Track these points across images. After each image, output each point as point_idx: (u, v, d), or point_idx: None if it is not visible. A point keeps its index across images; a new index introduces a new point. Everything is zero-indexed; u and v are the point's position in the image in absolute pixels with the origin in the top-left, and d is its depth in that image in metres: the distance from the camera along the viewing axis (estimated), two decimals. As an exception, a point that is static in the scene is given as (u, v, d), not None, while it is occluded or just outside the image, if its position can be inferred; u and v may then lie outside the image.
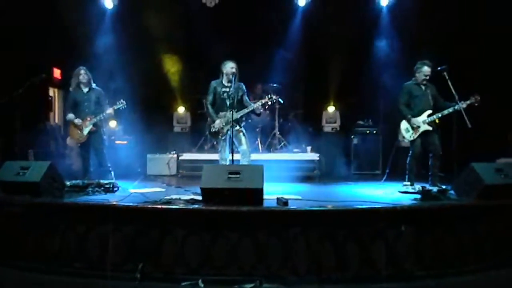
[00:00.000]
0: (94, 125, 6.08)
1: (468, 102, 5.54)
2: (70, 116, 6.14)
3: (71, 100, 6.21)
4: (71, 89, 6.22)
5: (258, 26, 8.67)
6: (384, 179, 6.77)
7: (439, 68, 5.67)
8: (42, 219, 4.20)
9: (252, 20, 8.62)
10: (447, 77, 5.52)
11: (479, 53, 7.48)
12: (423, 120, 5.79)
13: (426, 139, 5.82)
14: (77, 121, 6.07)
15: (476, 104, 5.54)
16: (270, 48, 8.74)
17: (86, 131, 6.06)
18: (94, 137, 6.13)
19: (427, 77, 5.83)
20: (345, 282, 3.81)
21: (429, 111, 5.80)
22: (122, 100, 6.09)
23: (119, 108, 6.09)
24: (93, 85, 6.23)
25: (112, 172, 6.22)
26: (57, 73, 9.17)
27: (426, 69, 5.82)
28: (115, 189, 5.43)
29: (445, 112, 5.67)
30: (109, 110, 6.06)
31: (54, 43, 7.98)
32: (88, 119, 6.05)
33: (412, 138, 5.85)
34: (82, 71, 6.12)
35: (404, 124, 5.94)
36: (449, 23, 7.53)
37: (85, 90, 6.16)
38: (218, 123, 5.76)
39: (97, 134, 6.16)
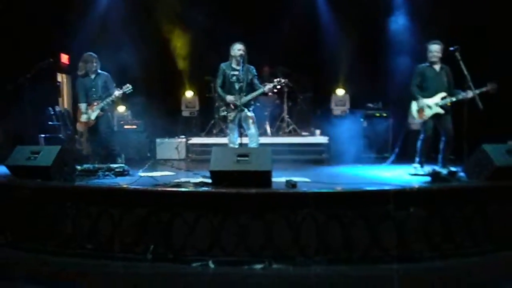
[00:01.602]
0: (102, 109, 6.10)
1: (483, 89, 5.36)
2: (83, 106, 6.18)
3: (82, 87, 6.21)
4: (79, 73, 6.22)
5: (268, 7, 8.58)
6: (391, 161, 6.73)
7: (451, 49, 5.52)
8: (54, 203, 4.27)
9: (262, 1, 8.54)
10: (459, 58, 5.40)
11: (491, 34, 7.34)
12: (436, 103, 5.68)
13: (439, 121, 5.73)
14: (85, 116, 6.10)
15: (491, 92, 5.36)
16: (279, 30, 8.65)
17: (93, 116, 6.08)
18: (102, 121, 6.15)
19: (438, 55, 5.67)
20: (353, 263, 3.84)
21: (443, 94, 5.66)
22: (128, 85, 6.06)
23: (125, 92, 6.08)
24: (99, 70, 6.23)
25: (123, 155, 6.26)
26: (64, 58, 9.18)
27: (435, 47, 5.68)
28: (125, 173, 5.47)
29: (460, 97, 5.49)
30: (116, 94, 6.04)
31: (61, 28, 7.97)
32: (95, 104, 6.07)
33: (422, 120, 5.77)
34: (95, 59, 6.13)
35: (414, 105, 5.84)
36: (463, 3, 7.38)
37: (93, 76, 6.18)
38: (230, 98, 5.71)
39: (104, 118, 6.18)
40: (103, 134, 6.19)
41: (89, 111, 6.10)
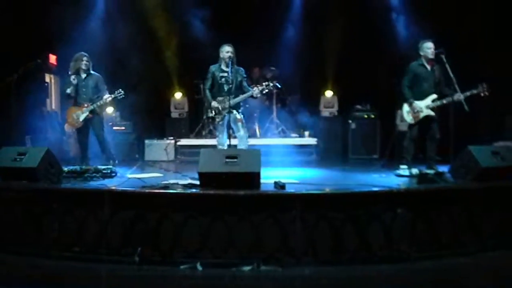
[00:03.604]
0: (91, 111, 6.00)
1: (474, 91, 5.38)
2: (69, 90, 6.00)
3: (70, 85, 6.06)
4: (70, 72, 6.10)
5: (256, 8, 8.60)
6: (383, 163, 6.77)
7: (436, 51, 5.60)
8: (40, 205, 4.21)
9: (249, 2, 8.56)
10: (444, 60, 5.45)
11: (477, 37, 7.44)
12: (426, 105, 5.68)
13: (425, 122, 5.76)
14: (75, 114, 6.00)
15: (482, 94, 5.36)
16: (268, 31, 8.67)
17: (82, 117, 6.00)
18: (94, 123, 6.07)
19: (433, 51, 5.61)
20: (341, 264, 3.85)
21: (434, 96, 5.66)
22: (120, 90, 5.97)
23: (116, 97, 5.98)
24: (91, 71, 6.14)
25: (116, 160, 6.12)
26: (52, 59, 9.08)
27: (430, 44, 5.64)
28: (113, 174, 5.43)
29: (450, 99, 5.49)
30: (107, 98, 5.95)
31: (49, 28, 7.89)
32: (85, 105, 5.99)
33: (413, 122, 5.78)
34: (85, 58, 6.03)
35: (406, 107, 5.82)
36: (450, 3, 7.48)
37: (83, 75, 6.08)
38: (214, 104, 5.73)
39: (96, 120, 6.09)
40: (99, 137, 6.08)
41: (78, 112, 6.02)
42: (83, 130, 6.12)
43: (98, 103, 5.98)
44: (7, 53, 6.95)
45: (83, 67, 6.03)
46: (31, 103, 7.68)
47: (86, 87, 6.05)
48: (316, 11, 8.67)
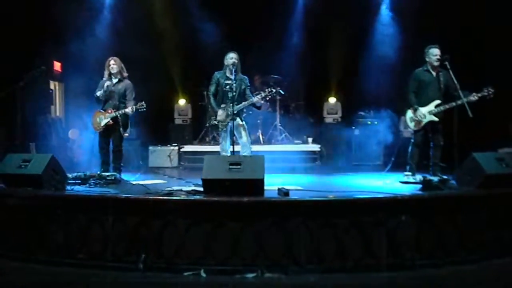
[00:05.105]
0: (113, 119, 5.87)
1: (479, 94, 5.37)
2: (99, 93, 5.93)
3: (100, 87, 5.97)
4: (104, 77, 6.03)
5: (258, 16, 8.65)
6: (388, 169, 6.77)
7: (440, 57, 5.59)
8: (45, 211, 4.22)
9: (252, 10, 8.60)
10: (449, 67, 5.45)
11: (482, 43, 7.43)
12: (429, 111, 5.67)
13: (429, 128, 5.75)
14: (99, 118, 5.93)
15: (488, 97, 5.37)
16: (272, 38, 8.70)
17: (103, 122, 5.89)
18: (115, 134, 5.96)
19: (439, 58, 5.59)
20: (346, 272, 3.83)
21: (438, 101, 5.64)
22: (143, 103, 5.80)
23: (138, 110, 5.82)
24: (125, 76, 6.03)
25: (120, 175, 5.97)
26: (57, 66, 9.14)
27: (436, 51, 5.62)
28: (117, 181, 5.43)
29: (453, 104, 5.46)
30: (128, 111, 5.82)
31: (54, 35, 7.95)
32: (109, 111, 5.88)
33: (416, 128, 5.78)
34: (112, 62, 5.93)
35: (409, 113, 5.83)
36: (453, 9, 7.48)
37: (114, 80, 5.98)
38: (220, 113, 5.74)
39: (116, 132, 5.95)
40: (115, 147, 5.99)
41: (102, 116, 5.93)
42: (103, 136, 6.01)
43: (121, 112, 5.85)
44: (12, 60, 7.00)
45: (112, 71, 5.93)
46: (35, 110, 7.73)
47: (114, 92, 5.94)
48: (320, 19, 8.69)
